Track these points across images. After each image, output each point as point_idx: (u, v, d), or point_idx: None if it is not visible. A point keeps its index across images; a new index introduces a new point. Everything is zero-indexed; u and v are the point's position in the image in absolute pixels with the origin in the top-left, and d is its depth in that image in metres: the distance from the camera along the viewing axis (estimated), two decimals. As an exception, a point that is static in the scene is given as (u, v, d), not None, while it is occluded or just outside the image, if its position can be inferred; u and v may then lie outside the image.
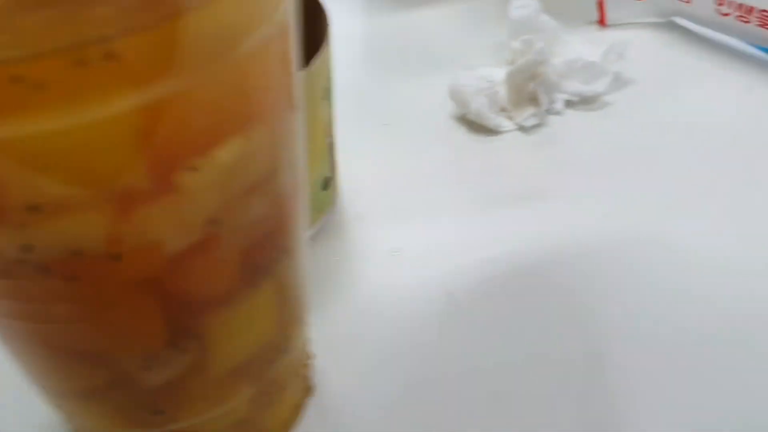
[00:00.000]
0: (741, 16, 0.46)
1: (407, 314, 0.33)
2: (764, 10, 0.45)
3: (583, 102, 0.45)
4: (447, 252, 0.35)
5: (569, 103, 0.45)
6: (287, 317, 0.24)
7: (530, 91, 0.43)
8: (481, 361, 0.30)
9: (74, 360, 0.20)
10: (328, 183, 0.37)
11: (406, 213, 0.38)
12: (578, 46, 0.46)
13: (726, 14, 0.47)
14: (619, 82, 0.46)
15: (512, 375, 0.30)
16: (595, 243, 0.35)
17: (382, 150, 0.42)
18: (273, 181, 0.20)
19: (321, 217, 0.37)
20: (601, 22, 0.52)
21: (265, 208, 0.20)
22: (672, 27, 0.51)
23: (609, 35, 0.50)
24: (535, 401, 0.29)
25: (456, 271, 0.34)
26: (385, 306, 0.33)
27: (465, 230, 0.36)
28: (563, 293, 0.33)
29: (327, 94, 0.34)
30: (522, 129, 0.43)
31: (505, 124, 0.43)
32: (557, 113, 0.44)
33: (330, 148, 0.37)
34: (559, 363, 0.30)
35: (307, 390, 0.30)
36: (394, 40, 0.53)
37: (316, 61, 0.31)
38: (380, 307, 0.33)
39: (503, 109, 0.44)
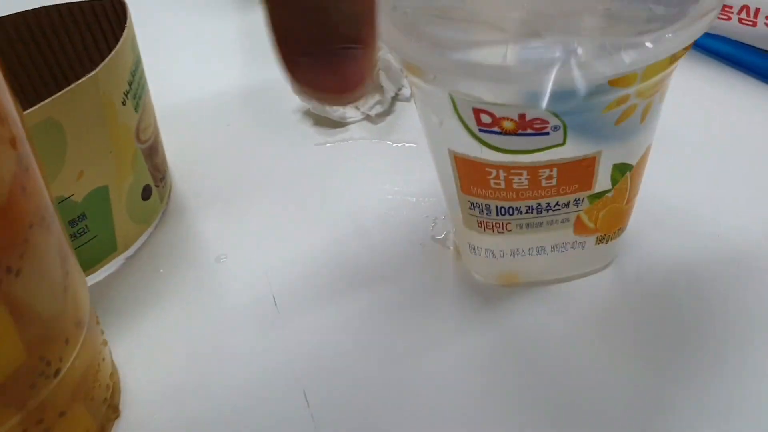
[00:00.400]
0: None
1: (229, 323, 0.31)
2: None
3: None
4: (274, 257, 0.34)
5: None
6: (38, 339, 0.23)
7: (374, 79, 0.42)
8: (303, 370, 0.29)
9: None
10: (149, 192, 0.35)
11: (237, 217, 0.36)
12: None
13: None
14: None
15: (337, 383, 0.28)
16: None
17: (221, 152, 0.41)
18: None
19: (146, 227, 0.36)
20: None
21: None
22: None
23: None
24: (361, 407, 0.27)
25: (282, 276, 0.33)
26: (205, 316, 0.32)
27: (297, 233, 0.35)
28: (395, 299, 0.31)
29: (131, 97, 0.32)
30: (369, 118, 0.42)
31: (350, 114, 0.42)
32: (405, 100, 0.43)
33: (149, 155, 0.35)
34: (384, 379, 0.28)
35: (111, 411, 0.28)
36: (252, 37, 0.52)
37: (103, 67, 0.30)
38: (201, 318, 0.32)
39: (349, 100, 0.42)
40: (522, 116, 0.22)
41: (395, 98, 0.43)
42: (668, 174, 0.34)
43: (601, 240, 0.28)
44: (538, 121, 0.22)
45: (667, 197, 0.33)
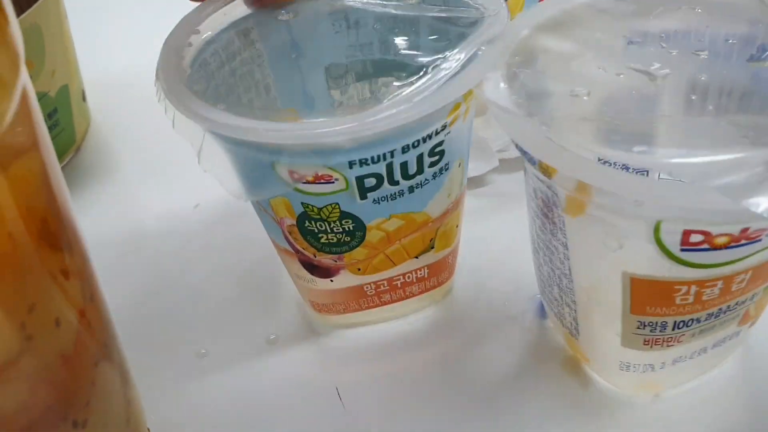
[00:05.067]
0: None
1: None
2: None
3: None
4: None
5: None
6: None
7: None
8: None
9: None
10: (84, 96, 0.40)
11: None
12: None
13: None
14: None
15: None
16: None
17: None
18: (26, 358, 0.14)
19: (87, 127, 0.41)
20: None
21: (23, 393, 0.14)
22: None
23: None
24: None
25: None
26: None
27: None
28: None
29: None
30: None
31: None
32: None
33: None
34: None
35: None
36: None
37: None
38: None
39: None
40: (745, 229, 0.18)
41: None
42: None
43: (752, 324, 0.24)
44: (758, 231, 0.18)
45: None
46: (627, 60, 0.23)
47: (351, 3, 0.26)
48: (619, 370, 0.24)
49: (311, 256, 0.26)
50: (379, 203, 0.24)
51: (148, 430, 0.23)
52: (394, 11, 0.26)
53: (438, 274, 0.28)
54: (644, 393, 0.26)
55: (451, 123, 0.23)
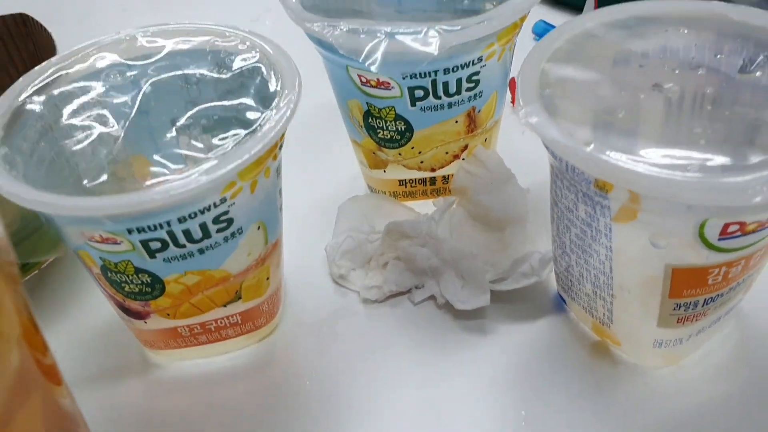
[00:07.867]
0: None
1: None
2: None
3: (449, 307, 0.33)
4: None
5: (434, 299, 0.34)
6: None
7: (397, 256, 0.34)
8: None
9: None
10: None
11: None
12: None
13: None
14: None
15: None
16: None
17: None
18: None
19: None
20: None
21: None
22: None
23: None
24: None
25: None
26: None
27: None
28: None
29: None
30: (363, 299, 0.34)
31: (351, 280, 0.34)
32: (414, 302, 0.34)
33: None
34: None
35: None
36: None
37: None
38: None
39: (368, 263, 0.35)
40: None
41: (401, 294, 0.34)
42: None
43: (747, 291, 0.28)
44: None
45: None
46: (639, 79, 0.26)
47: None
48: (652, 348, 0.27)
49: (121, 301, 0.28)
50: (170, 262, 0.26)
51: None
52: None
53: (252, 320, 0.31)
54: (669, 364, 0.29)
55: (232, 197, 0.25)
